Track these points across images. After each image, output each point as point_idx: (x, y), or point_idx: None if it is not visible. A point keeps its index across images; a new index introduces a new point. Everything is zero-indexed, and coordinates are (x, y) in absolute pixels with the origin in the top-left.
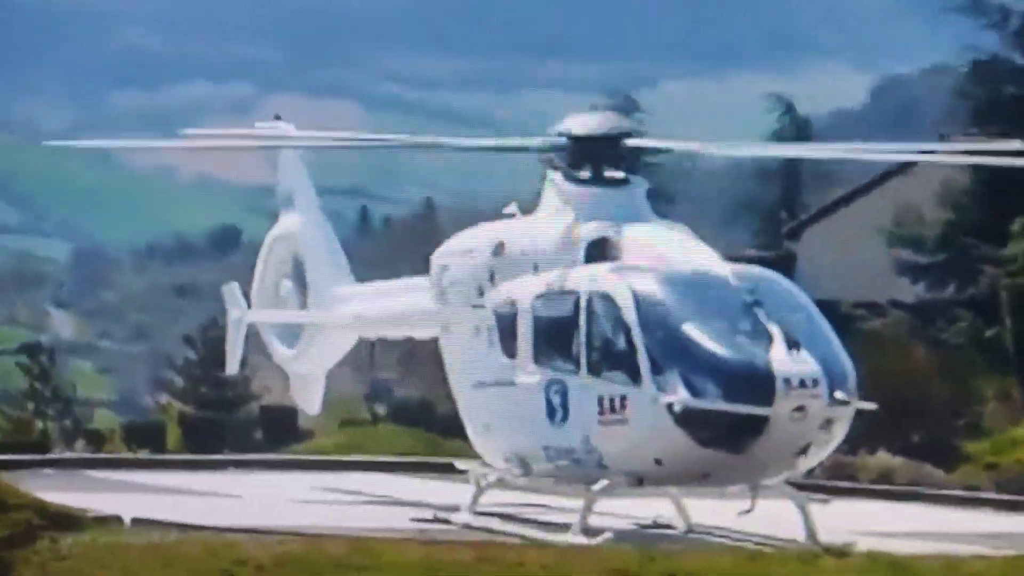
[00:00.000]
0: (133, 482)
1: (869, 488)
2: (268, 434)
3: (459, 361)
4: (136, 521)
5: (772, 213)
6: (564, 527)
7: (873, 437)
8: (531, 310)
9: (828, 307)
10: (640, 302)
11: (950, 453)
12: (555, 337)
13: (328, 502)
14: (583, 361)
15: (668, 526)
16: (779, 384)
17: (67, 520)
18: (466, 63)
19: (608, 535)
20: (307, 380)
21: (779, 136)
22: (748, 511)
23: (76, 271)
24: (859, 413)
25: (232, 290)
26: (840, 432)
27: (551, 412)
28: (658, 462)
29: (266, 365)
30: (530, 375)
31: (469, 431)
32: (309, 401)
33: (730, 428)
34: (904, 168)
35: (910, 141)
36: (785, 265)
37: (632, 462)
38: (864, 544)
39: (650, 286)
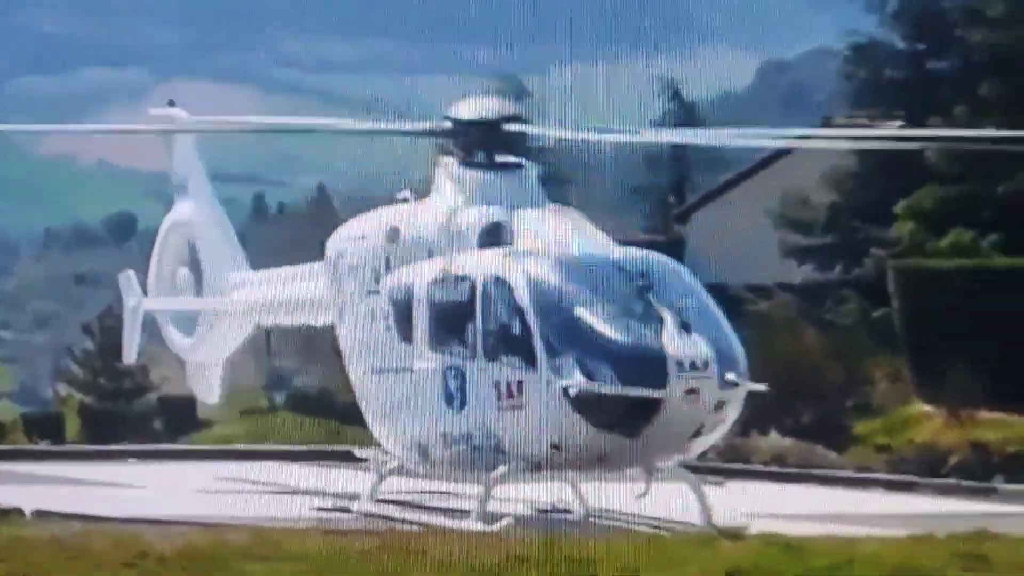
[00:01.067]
0: (33, 474)
1: (762, 470)
2: (167, 424)
3: (356, 348)
4: (37, 513)
5: (661, 197)
6: (464, 513)
7: (765, 419)
8: (426, 296)
9: (717, 290)
10: (534, 287)
11: (841, 434)
12: (451, 323)
13: (229, 492)
14: (479, 346)
15: (567, 511)
16: (671, 367)
17: None
18: (361, 47)
19: (508, 521)
20: (204, 369)
21: (667, 119)
22: (644, 494)
23: None
24: (751, 395)
25: (128, 278)
26: (732, 414)
27: (449, 398)
28: (555, 447)
29: (164, 354)
30: (427, 361)
31: (368, 418)
32: (207, 390)
33: (625, 411)
34: (790, 151)
35: (795, 122)
36: (675, 249)
37: (530, 447)
38: (758, 525)
39: (543, 271)
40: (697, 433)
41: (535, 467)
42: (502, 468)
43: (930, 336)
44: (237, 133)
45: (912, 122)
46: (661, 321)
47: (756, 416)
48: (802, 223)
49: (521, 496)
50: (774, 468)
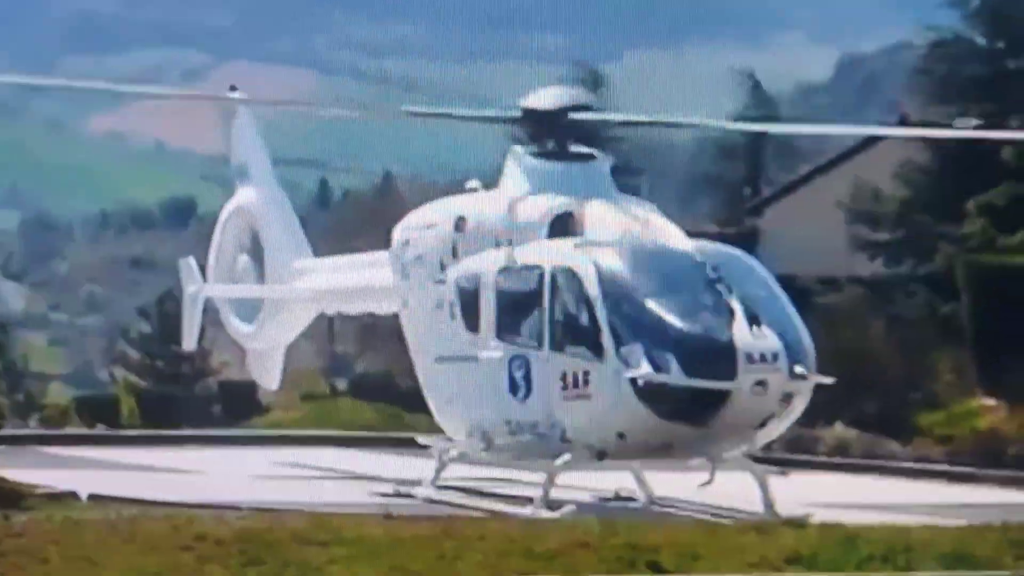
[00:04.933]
0: (89, 458)
1: (826, 461)
2: (227, 409)
3: (421, 336)
4: (93, 497)
5: (736, 189)
6: (526, 500)
7: (830, 410)
8: (494, 285)
9: (788, 282)
10: (603, 278)
11: (905, 426)
12: (518, 312)
13: (289, 477)
14: (546, 336)
15: (629, 498)
16: (740, 359)
17: (20, 497)
18: (432, 33)
19: (570, 508)
20: (265, 355)
21: (745, 111)
22: (708, 483)
23: (26, 241)
24: (817, 387)
25: (188, 264)
26: (799, 406)
27: (514, 387)
28: (621, 436)
29: (224, 339)
30: (493, 350)
31: (431, 405)
32: (268, 377)
33: (692, 402)
34: (865, 147)
35: (873, 117)
36: (748, 241)
37: (595, 436)
38: (820, 515)
39: (613, 262)
40: (764, 424)
41: (600, 455)
42: (566, 456)
43: (996, 331)
44: (302, 118)
45: (989, 120)
46: (731, 313)
47: (821, 407)
48: (874, 218)
49: (584, 484)
50: (837, 459)
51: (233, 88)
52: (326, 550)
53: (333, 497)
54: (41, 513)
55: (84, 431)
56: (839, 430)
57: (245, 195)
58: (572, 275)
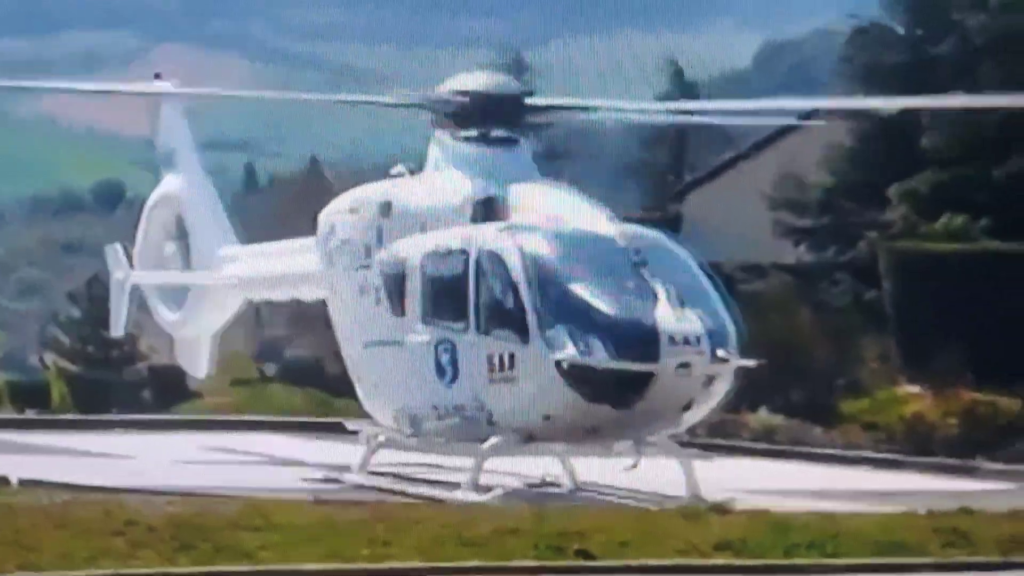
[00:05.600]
0: (20, 442)
1: (751, 446)
2: (157, 394)
3: (347, 321)
4: (24, 482)
5: (659, 175)
6: (454, 486)
7: (755, 396)
8: (420, 269)
9: (712, 268)
10: (528, 261)
11: (830, 412)
12: (444, 296)
13: (219, 462)
14: (472, 320)
15: (556, 484)
16: (664, 341)
17: None
18: (358, 16)
19: (498, 492)
20: (192, 343)
21: (668, 96)
22: (633, 467)
23: None
24: (742, 372)
25: (115, 251)
26: (722, 389)
27: (440, 371)
28: (547, 418)
29: (153, 324)
30: (419, 334)
31: (359, 391)
32: (195, 364)
33: (617, 384)
34: (788, 133)
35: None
36: (671, 226)
37: (521, 418)
38: (745, 501)
39: (538, 245)
40: (687, 407)
41: (527, 438)
42: (494, 439)
43: (919, 318)
44: (230, 102)
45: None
46: (655, 296)
47: (746, 393)
48: (798, 204)
49: (511, 470)
50: (763, 444)
51: (158, 76)
52: (259, 535)
53: (265, 483)
54: None
55: (15, 416)
56: (764, 416)
57: (170, 182)
58: (497, 259)
